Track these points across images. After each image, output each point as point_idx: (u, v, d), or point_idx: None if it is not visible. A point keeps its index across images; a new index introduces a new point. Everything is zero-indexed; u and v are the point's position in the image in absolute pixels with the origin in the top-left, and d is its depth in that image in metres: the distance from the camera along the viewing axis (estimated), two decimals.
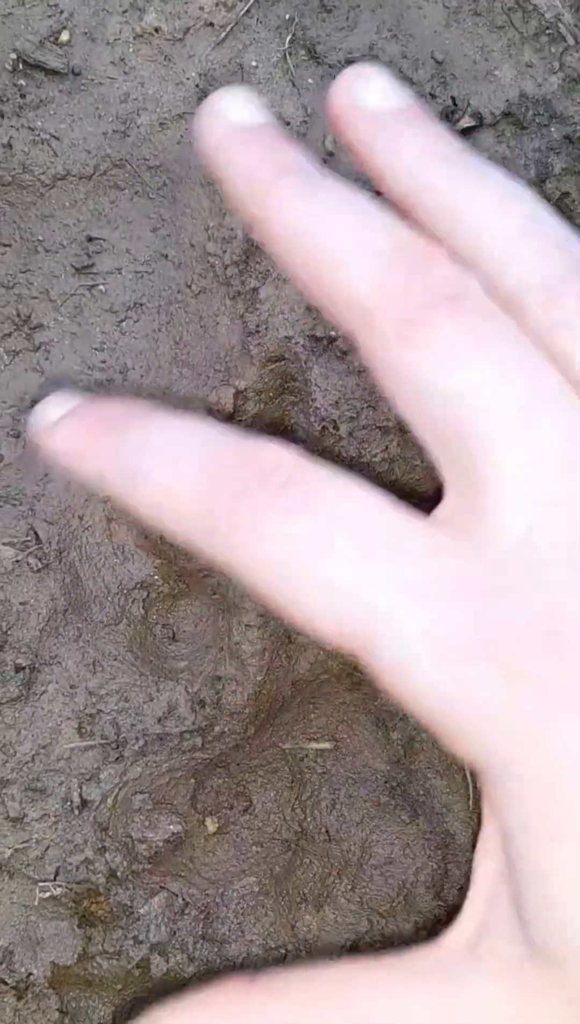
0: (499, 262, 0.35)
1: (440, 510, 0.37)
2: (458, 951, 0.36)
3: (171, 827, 0.66)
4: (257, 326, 0.70)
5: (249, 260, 0.71)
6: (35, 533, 0.71)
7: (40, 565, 0.70)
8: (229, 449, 0.38)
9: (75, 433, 0.42)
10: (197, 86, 0.74)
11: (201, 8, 0.75)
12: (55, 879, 0.66)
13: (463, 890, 0.70)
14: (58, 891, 0.65)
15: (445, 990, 0.35)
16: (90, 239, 0.75)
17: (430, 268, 0.35)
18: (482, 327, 0.34)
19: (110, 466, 0.40)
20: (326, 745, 0.69)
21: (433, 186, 0.39)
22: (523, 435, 0.32)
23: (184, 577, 0.70)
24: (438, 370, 0.33)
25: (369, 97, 0.44)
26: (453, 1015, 0.34)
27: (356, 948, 0.67)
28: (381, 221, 0.39)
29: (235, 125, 0.45)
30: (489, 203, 0.37)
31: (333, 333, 0.69)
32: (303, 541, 0.34)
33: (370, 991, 0.36)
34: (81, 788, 0.66)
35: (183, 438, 0.39)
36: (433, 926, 0.69)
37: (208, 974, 0.66)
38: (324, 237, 0.39)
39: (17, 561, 0.70)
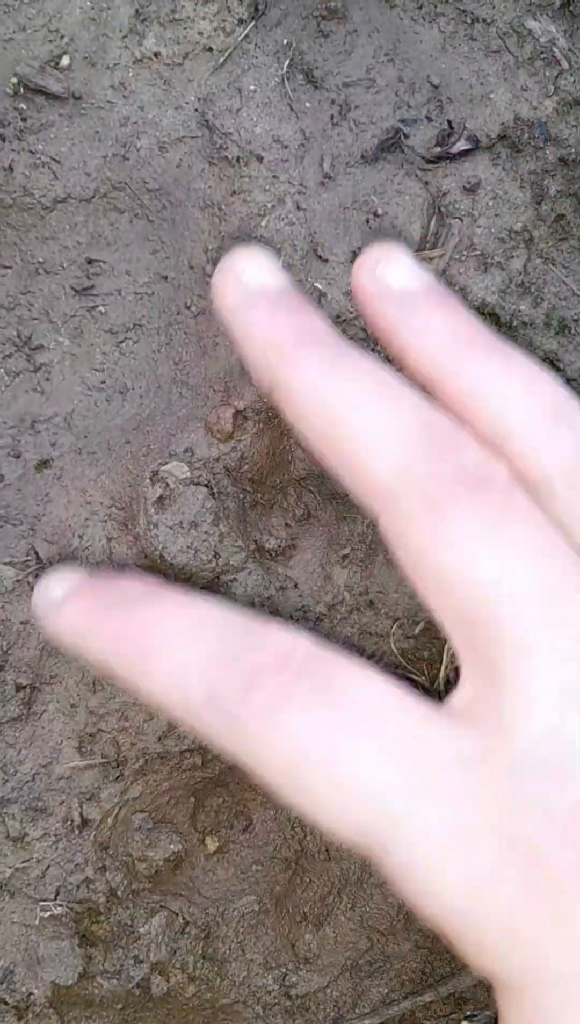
0: (526, 447, 0.34)
1: (457, 698, 0.35)
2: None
3: (171, 846, 0.67)
4: None
5: None
6: (36, 553, 0.71)
7: None
8: (239, 633, 0.36)
9: (80, 613, 0.40)
10: (196, 110, 0.75)
11: (200, 33, 0.75)
12: (56, 898, 0.66)
13: None
14: (59, 910, 0.66)
15: None
16: (90, 261, 0.76)
17: (457, 452, 0.34)
18: (508, 514, 0.33)
19: (116, 649, 0.38)
20: None
21: (460, 369, 0.38)
22: (546, 630, 0.31)
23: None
24: (462, 559, 0.32)
25: (395, 278, 0.44)
26: None
27: (356, 967, 0.67)
28: (405, 400, 0.38)
29: (253, 289, 0.44)
30: (516, 387, 0.36)
31: None
32: (319, 738, 0.32)
33: None
34: (81, 807, 0.66)
35: (191, 620, 0.36)
36: (433, 944, 0.69)
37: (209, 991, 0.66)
38: (347, 415, 0.37)
39: (18, 580, 0.70)
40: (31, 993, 0.65)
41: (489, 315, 0.70)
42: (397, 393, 0.39)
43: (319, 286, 0.71)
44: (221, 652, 0.36)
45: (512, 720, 0.32)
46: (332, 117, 0.74)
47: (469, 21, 0.74)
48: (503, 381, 0.39)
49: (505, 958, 0.32)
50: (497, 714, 0.32)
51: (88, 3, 0.75)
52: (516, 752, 0.32)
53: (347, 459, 0.38)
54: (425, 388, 0.40)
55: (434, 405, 0.39)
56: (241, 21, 0.75)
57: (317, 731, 0.34)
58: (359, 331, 0.70)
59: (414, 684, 0.68)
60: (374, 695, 0.35)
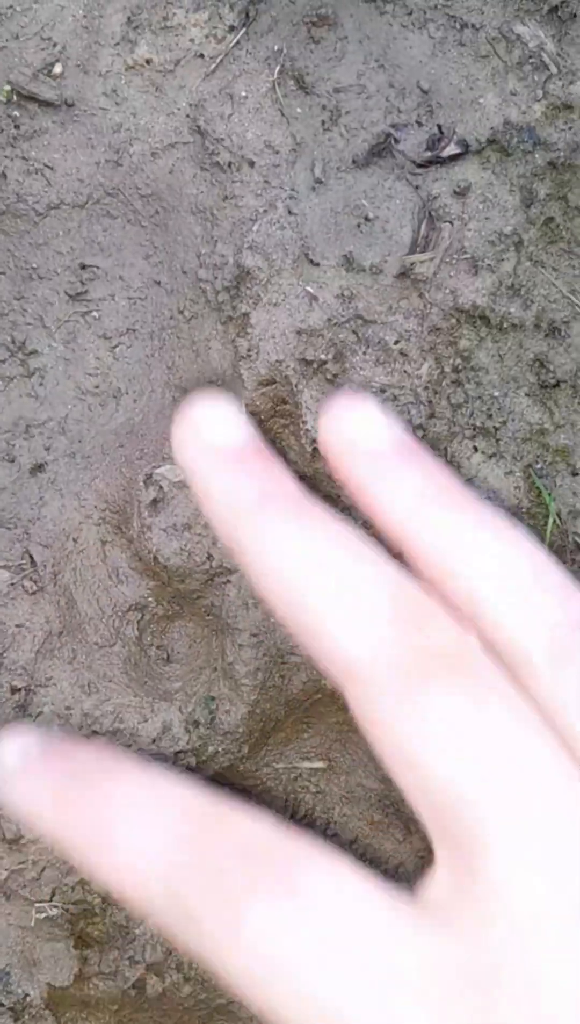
0: (504, 620, 0.33)
1: (431, 888, 0.34)
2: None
3: None
4: (248, 350, 0.71)
5: (240, 286, 0.73)
6: (30, 556, 0.71)
7: (35, 588, 0.71)
8: (202, 819, 0.34)
9: (33, 789, 0.38)
10: (188, 116, 0.76)
11: (192, 40, 0.76)
12: (51, 900, 0.66)
13: None
14: (54, 912, 0.66)
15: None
16: (83, 266, 0.77)
17: (428, 626, 0.33)
18: (481, 694, 0.32)
19: (70, 834, 0.36)
20: (319, 764, 0.70)
21: (430, 529, 0.37)
22: (523, 825, 0.30)
23: (178, 599, 0.70)
24: (433, 745, 0.31)
25: (365, 435, 0.43)
26: None
27: None
28: (372, 568, 0.37)
29: (212, 445, 0.42)
30: (490, 551, 0.35)
31: (323, 356, 0.71)
32: (281, 944, 0.31)
33: None
34: None
35: (150, 804, 0.35)
36: None
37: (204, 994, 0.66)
38: (311, 582, 0.36)
39: (12, 584, 0.71)
40: (27, 994, 0.65)
41: (479, 318, 0.71)
42: (363, 558, 0.38)
43: (310, 290, 0.71)
44: (181, 841, 0.35)
45: (484, 916, 0.32)
46: (323, 122, 0.75)
47: (458, 27, 0.75)
48: (478, 544, 0.38)
49: None
50: (470, 907, 0.31)
51: (80, 11, 0.76)
52: (490, 952, 0.32)
53: (312, 631, 0.37)
54: (396, 551, 0.39)
55: (404, 572, 0.38)
56: (232, 28, 0.76)
57: (278, 937, 0.33)
58: (350, 333, 0.71)
59: None
60: (344, 887, 0.34)
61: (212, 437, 0.43)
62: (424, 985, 0.32)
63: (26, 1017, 0.65)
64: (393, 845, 0.69)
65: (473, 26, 0.75)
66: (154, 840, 0.35)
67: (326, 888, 0.33)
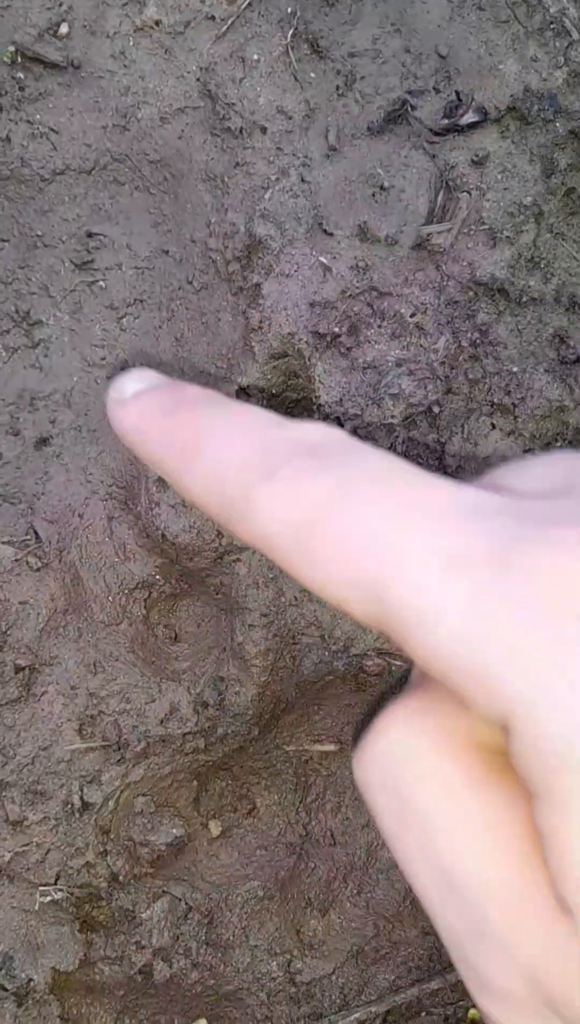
0: None
1: None
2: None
3: (174, 830, 0.65)
4: (260, 322, 0.69)
5: (251, 256, 0.71)
6: (35, 532, 0.69)
7: (40, 564, 0.69)
8: (280, 434, 0.39)
9: (143, 412, 0.44)
10: (198, 80, 0.74)
11: (202, 1, 0.74)
12: (56, 883, 0.65)
13: None
14: (59, 895, 0.64)
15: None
16: (90, 235, 0.74)
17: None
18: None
19: (167, 448, 0.41)
20: (331, 747, 0.68)
21: None
22: None
23: (186, 577, 0.69)
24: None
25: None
26: None
27: (362, 953, 0.66)
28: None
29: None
30: None
31: (337, 329, 0.69)
32: (326, 498, 0.35)
33: None
34: (82, 791, 0.65)
35: (238, 424, 0.40)
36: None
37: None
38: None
39: (17, 560, 0.69)
40: (31, 979, 0.64)
41: (498, 291, 0.69)
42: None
43: (324, 260, 0.69)
44: (260, 450, 0.39)
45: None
46: (337, 88, 0.72)
47: None
48: None
49: (510, 687, 0.33)
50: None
51: None
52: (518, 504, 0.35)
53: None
54: None
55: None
56: None
57: (323, 494, 0.36)
58: (365, 306, 0.69)
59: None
60: (390, 464, 0.37)
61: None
62: (448, 516, 0.34)
63: (29, 1002, 0.64)
64: None
65: None
66: (237, 451, 0.40)
67: (374, 464, 0.36)
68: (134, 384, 0.45)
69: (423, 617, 0.33)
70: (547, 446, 0.71)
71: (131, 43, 0.74)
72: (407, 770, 0.36)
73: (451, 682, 0.34)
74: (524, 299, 0.69)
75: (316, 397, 0.68)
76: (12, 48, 0.73)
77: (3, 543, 0.69)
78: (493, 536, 0.34)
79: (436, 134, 0.71)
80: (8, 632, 0.67)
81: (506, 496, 0.36)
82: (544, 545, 0.33)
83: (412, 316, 0.69)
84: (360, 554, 0.34)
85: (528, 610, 0.32)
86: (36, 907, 0.64)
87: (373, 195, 0.71)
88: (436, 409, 0.69)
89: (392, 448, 0.67)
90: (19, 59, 0.74)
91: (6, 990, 0.63)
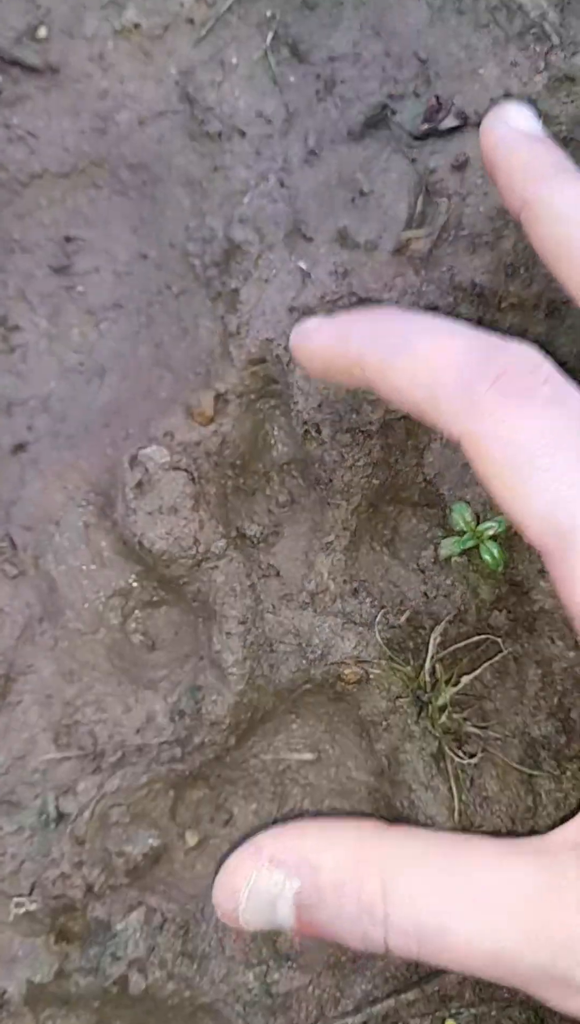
0: None
1: None
2: (562, 844, 0.39)
3: (150, 840, 0.65)
4: (238, 327, 0.69)
5: (230, 260, 0.70)
6: (10, 539, 0.69)
7: (15, 572, 0.68)
8: (491, 340, 0.43)
9: (340, 325, 0.45)
10: (177, 83, 0.73)
11: (181, 4, 0.73)
12: (30, 894, 0.64)
13: None
14: (33, 906, 0.64)
15: (545, 870, 0.38)
16: (68, 239, 0.74)
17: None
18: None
19: (373, 343, 0.44)
20: (308, 756, 0.68)
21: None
22: None
23: (163, 584, 0.68)
24: None
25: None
26: (549, 890, 0.37)
27: (339, 964, 0.65)
28: None
29: (518, 128, 0.51)
30: None
31: None
32: (544, 440, 0.36)
33: (480, 856, 0.39)
34: (57, 801, 0.65)
35: (443, 329, 0.44)
36: None
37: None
38: None
39: None
40: (5, 991, 0.63)
41: (477, 296, 0.69)
42: None
43: (302, 266, 0.69)
44: (472, 351, 0.40)
45: None
46: (317, 92, 0.72)
47: None
48: None
49: None
50: None
51: None
52: None
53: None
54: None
55: None
56: None
57: (543, 433, 0.37)
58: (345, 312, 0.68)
59: (398, 675, 0.67)
60: None
61: (519, 123, 0.54)
62: None
63: (4, 1014, 0.63)
64: None
65: None
66: (448, 350, 0.44)
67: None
68: (320, 321, 0.46)
69: None
70: None
71: (110, 46, 0.74)
72: None
73: None
74: (504, 305, 0.69)
75: (294, 403, 0.67)
76: None
77: None
78: None
79: (416, 138, 0.71)
80: None
81: None
82: None
83: None
84: (554, 507, 0.35)
85: None
86: (10, 918, 0.64)
87: (352, 200, 0.70)
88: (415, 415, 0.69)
89: (370, 453, 0.66)
90: None
91: None
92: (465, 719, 0.66)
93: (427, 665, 0.66)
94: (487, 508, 0.66)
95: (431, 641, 0.66)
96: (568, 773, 0.66)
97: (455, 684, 0.65)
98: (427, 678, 0.66)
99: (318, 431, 0.66)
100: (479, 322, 0.69)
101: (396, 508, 0.70)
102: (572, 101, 0.70)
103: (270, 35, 0.73)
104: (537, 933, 0.36)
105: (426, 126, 0.71)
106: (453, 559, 0.67)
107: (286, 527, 0.70)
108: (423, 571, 0.68)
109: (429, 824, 0.67)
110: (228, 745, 0.66)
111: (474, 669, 0.66)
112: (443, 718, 0.65)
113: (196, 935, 0.65)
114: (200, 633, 0.68)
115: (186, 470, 0.66)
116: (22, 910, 0.64)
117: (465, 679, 0.66)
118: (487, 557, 0.64)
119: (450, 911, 0.37)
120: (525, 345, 0.40)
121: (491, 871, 0.38)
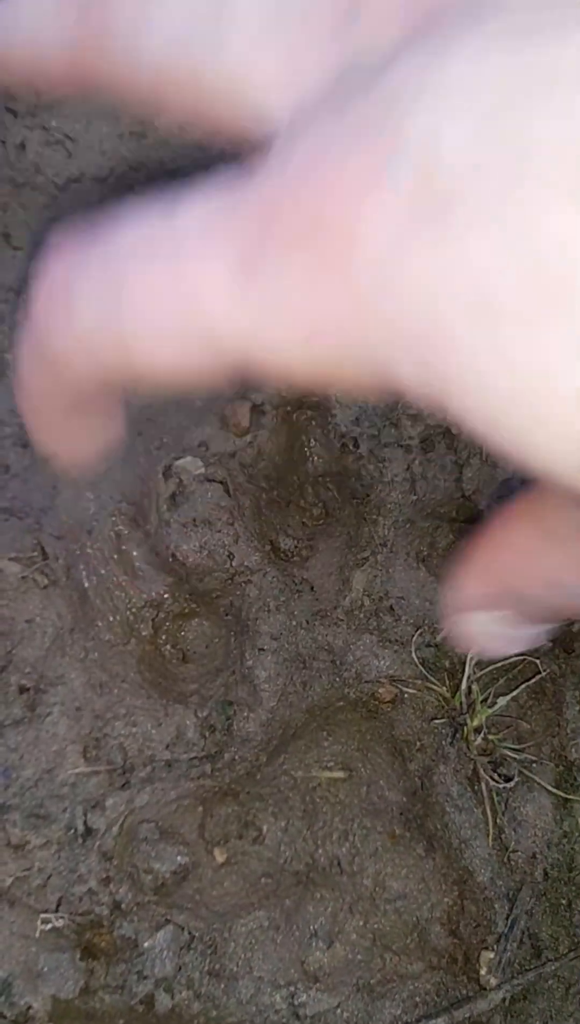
0: None
1: None
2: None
3: (178, 857, 0.64)
4: None
5: None
6: (42, 548, 0.68)
7: (47, 582, 0.68)
8: None
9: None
10: None
11: None
12: (57, 909, 0.63)
13: (480, 928, 0.67)
14: (60, 922, 0.63)
15: None
16: None
17: None
18: None
19: None
20: (340, 774, 0.67)
21: None
22: None
23: (195, 597, 0.67)
24: None
25: None
26: None
27: (368, 986, 0.64)
28: None
29: None
30: None
31: None
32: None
33: None
34: (86, 815, 0.64)
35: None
36: (448, 966, 0.66)
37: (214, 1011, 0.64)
38: None
39: (23, 577, 0.68)
40: (30, 1006, 0.63)
41: None
42: None
43: None
44: None
45: None
46: None
47: None
48: None
49: None
50: None
51: None
52: None
53: None
54: None
55: None
56: None
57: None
58: None
59: (433, 694, 0.66)
60: None
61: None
62: None
63: None
64: (414, 860, 0.66)
65: None
66: None
67: None
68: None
69: None
70: None
71: None
72: None
73: None
74: None
75: (332, 415, 0.66)
76: None
77: (10, 559, 0.67)
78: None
79: None
80: (13, 651, 0.66)
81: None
82: None
83: None
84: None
85: None
86: (37, 934, 0.63)
87: None
88: (455, 430, 0.67)
89: (408, 469, 0.65)
90: None
91: (5, 1017, 0.62)
92: (501, 741, 0.65)
93: (463, 685, 0.65)
94: None
95: (467, 661, 0.65)
96: None
97: (491, 705, 0.64)
98: (463, 699, 0.65)
99: (356, 445, 0.65)
100: None
101: (433, 524, 0.68)
102: None
103: None
104: None
105: None
106: None
107: (320, 541, 0.69)
108: None
109: (463, 848, 0.66)
110: (259, 762, 0.65)
111: (511, 690, 0.65)
112: (478, 739, 0.64)
113: (224, 954, 0.64)
114: (232, 647, 0.67)
115: (221, 482, 0.65)
116: (48, 926, 0.63)
117: (501, 700, 0.64)
118: None
119: None
120: None
121: None
